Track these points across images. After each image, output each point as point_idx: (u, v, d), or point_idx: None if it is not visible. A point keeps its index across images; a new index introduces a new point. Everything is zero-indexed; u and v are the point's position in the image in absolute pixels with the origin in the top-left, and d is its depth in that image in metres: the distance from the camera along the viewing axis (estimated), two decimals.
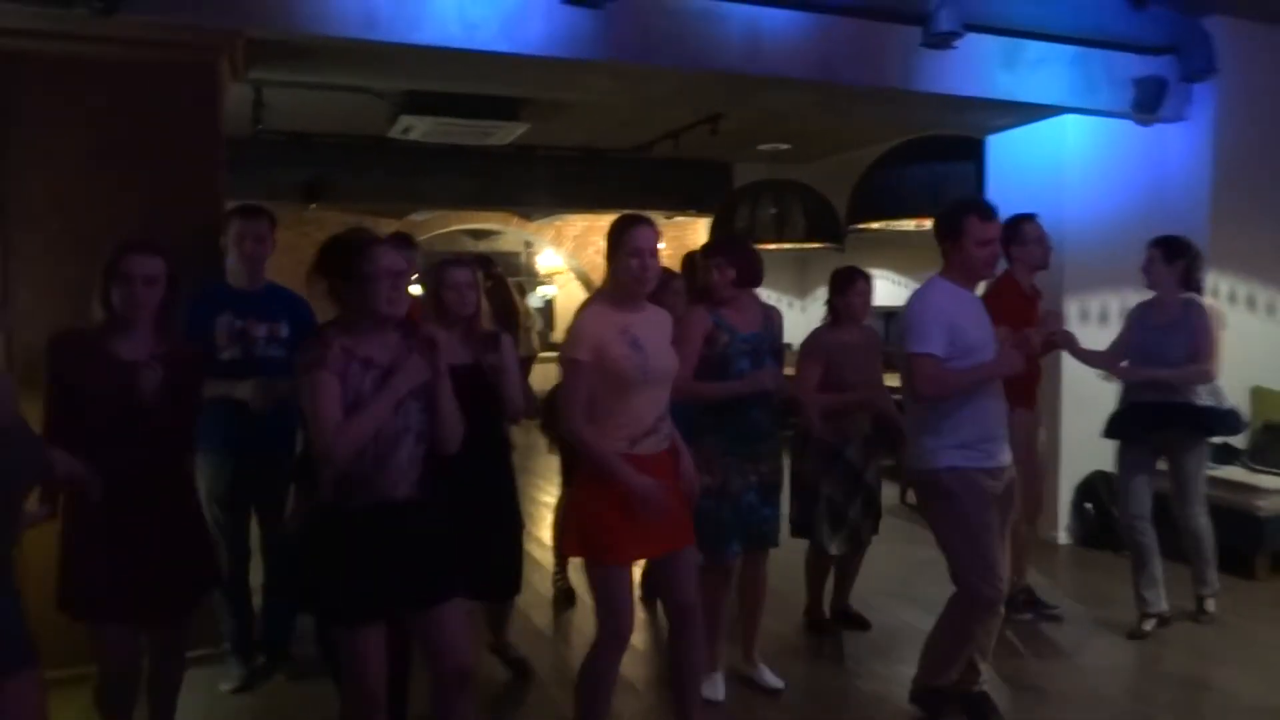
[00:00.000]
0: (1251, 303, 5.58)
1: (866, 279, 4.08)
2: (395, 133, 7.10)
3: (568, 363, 2.75)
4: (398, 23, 3.91)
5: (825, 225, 8.26)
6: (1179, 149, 5.45)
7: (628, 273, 2.75)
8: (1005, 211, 5.67)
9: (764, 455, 3.49)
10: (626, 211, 2.93)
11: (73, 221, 3.62)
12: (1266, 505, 4.84)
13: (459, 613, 2.57)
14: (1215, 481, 4.96)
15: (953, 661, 3.29)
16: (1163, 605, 4.17)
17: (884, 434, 4.10)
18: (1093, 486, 5.58)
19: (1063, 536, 5.69)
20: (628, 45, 4.22)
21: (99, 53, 3.69)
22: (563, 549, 2.94)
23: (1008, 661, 3.87)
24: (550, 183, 9.33)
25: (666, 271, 3.50)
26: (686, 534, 2.89)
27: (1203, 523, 4.23)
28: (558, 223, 12.40)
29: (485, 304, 3.39)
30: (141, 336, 2.69)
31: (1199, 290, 4.19)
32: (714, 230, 8.63)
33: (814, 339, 4.10)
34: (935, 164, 6.43)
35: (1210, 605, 4.30)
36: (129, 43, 3.70)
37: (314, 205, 8.93)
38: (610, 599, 2.78)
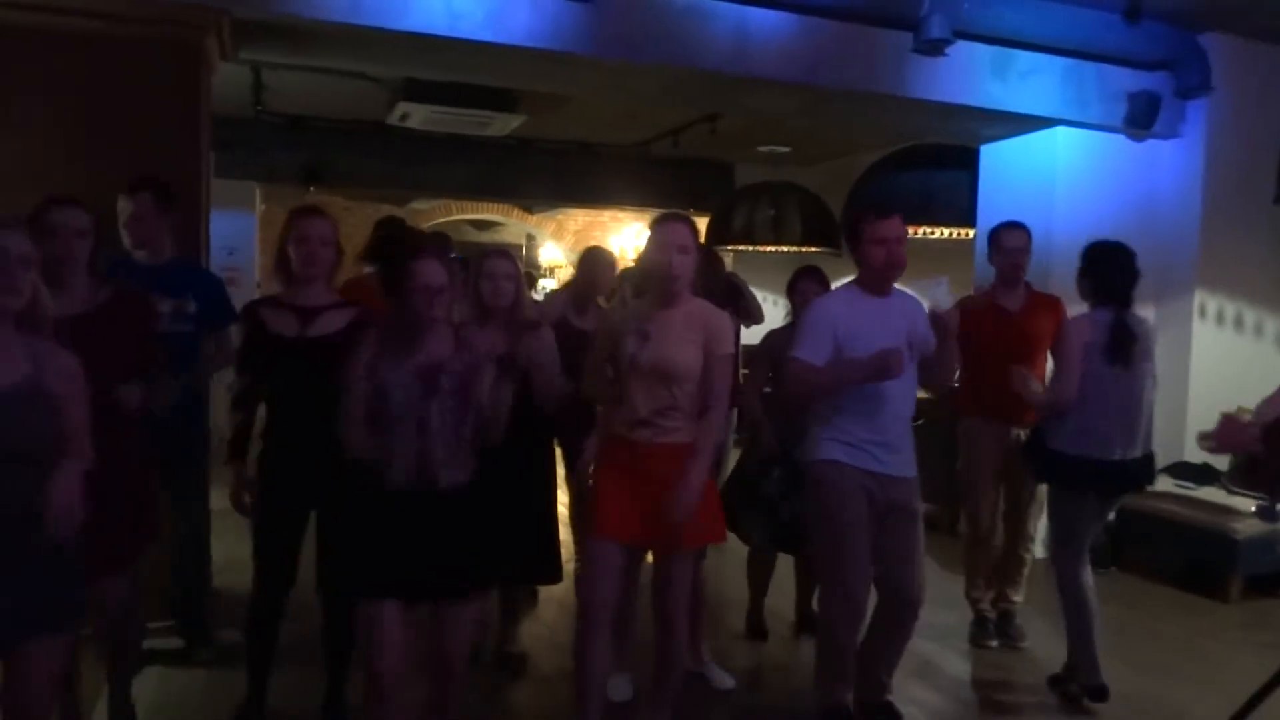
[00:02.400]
0: (1239, 323, 5.54)
1: (814, 278, 4.02)
2: (393, 119, 7.10)
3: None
4: (383, 8, 3.92)
5: (822, 229, 8.24)
6: (1170, 165, 5.42)
7: (653, 266, 2.85)
8: (996, 220, 5.70)
9: None
10: (667, 210, 3.06)
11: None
12: (1242, 528, 4.81)
13: (467, 613, 2.67)
14: (1192, 502, 4.97)
15: (832, 669, 3.23)
16: None
17: None
18: None
19: (1039, 550, 5.65)
20: (613, 40, 4.22)
21: (77, 26, 3.69)
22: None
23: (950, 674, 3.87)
24: (549, 176, 9.33)
25: None
26: (682, 537, 2.83)
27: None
28: (559, 216, 12.42)
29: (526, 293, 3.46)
30: (75, 290, 2.66)
31: (1126, 304, 3.55)
32: (710, 230, 8.62)
33: (764, 340, 4.07)
34: (929, 171, 6.39)
35: None
36: (109, 17, 3.71)
37: (313, 189, 8.95)
38: (586, 573, 2.88)
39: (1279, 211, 4.86)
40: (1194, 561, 5.01)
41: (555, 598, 4.47)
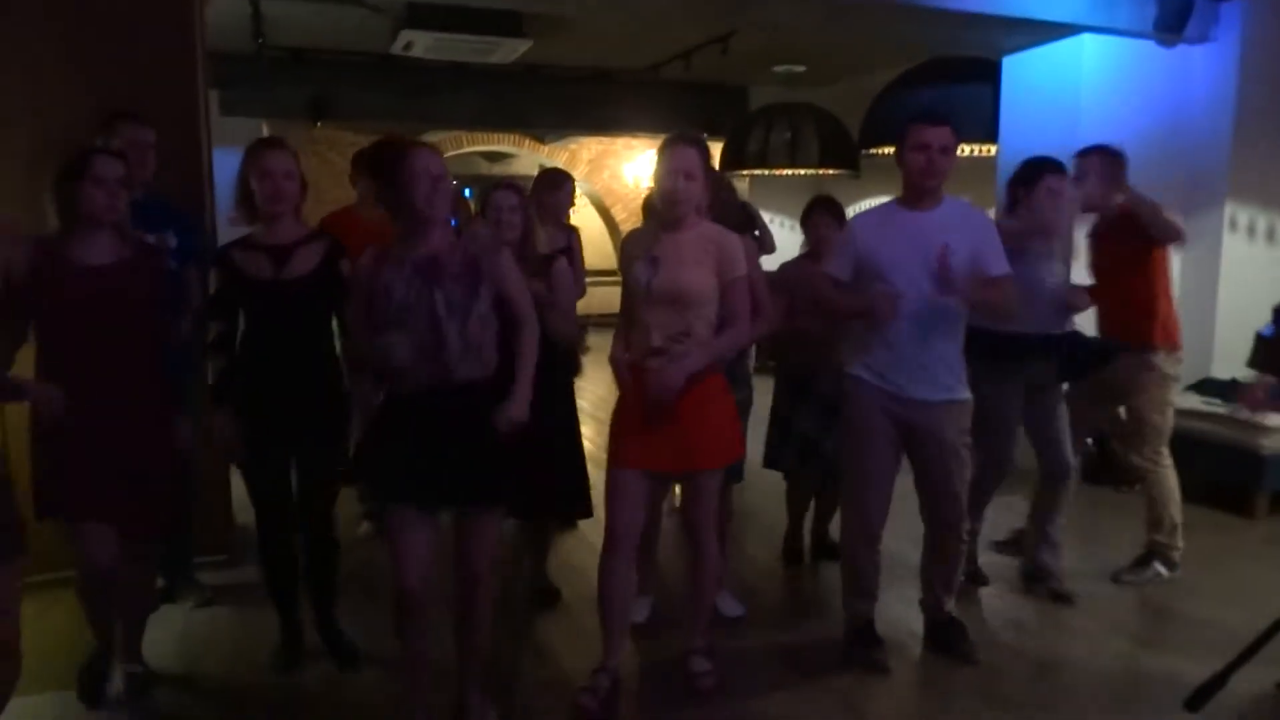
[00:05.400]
0: (1271, 236, 5.38)
1: (828, 209, 3.92)
2: (396, 49, 6.95)
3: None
4: None
5: (840, 150, 8.05)
6: (1203, 72, 5.22)
7: (659, 191, 2.82)
8: (1018, 135, 5.52)
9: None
10: (677, 131, 2.92)
11: (48, 128, 3.50)
12: (1268, 444, 4.74)
13: (490, 521, 2.63)
14: (1218, 419, 4.88)
15: (851, 586, 3.29)
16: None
17: None
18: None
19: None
20: None
21: None
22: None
23: (987, 595, 3.87)
24: (559, 104, 9.14)
25: None
26: (696, 459, 2.86)
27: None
28: (572, 146, 12.23)
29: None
30: (106, 240, 2.69)
31: None
32: (725, 154, 8.44)
33: (780, 270, 4.01)
34: (949, 86, 6.18)
35: None
36: None
37: (320, 124, 8.81)
38: (607, 500, 2.91)
39: None
40: (1220, 478, 4.94)
41: (587, 540, 4.47)
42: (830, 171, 8.14)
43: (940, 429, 3.08)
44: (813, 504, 4.28)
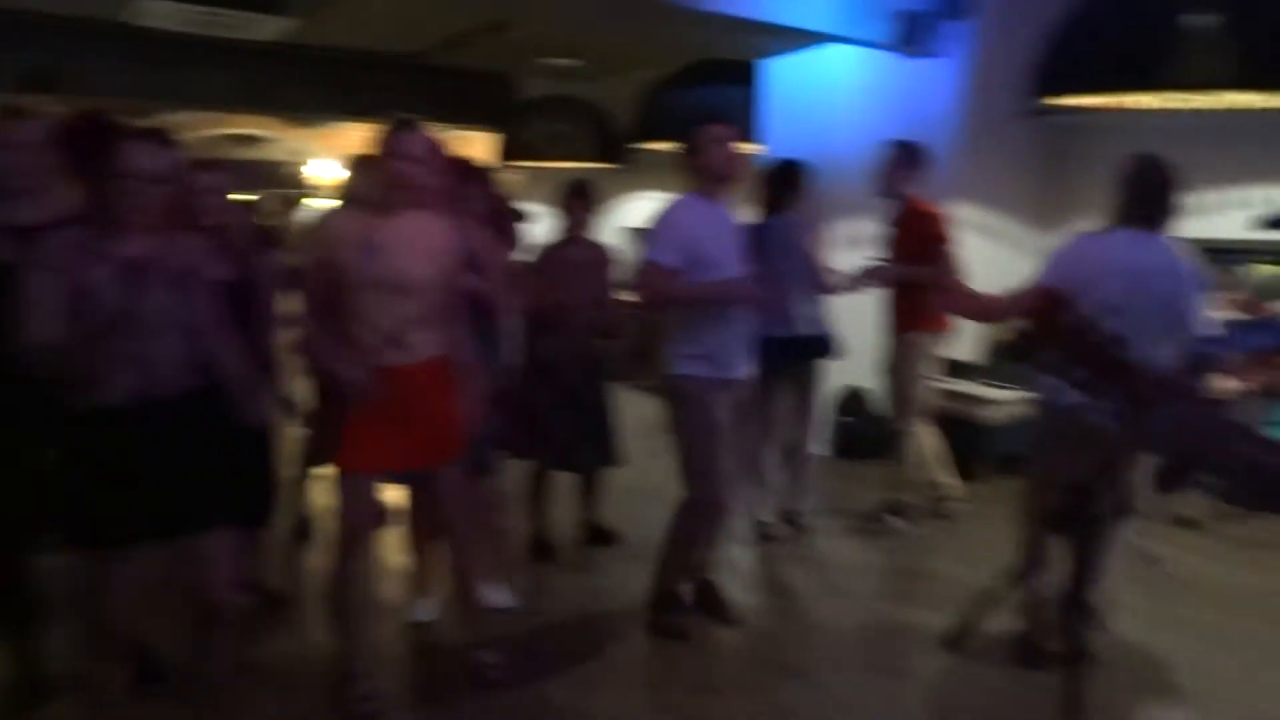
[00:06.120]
0: (999, 234, 5.99)
1: (580, 193, 4.10)
2: (127, 18, 6.33)
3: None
4: None
5: (609, 145, 8.24)
6: (940, 84, 5.72)
7: (385, 177, 2.73)
8: (780, 137, 5.85)
9: None
10: (402, 116, 2.80)
11: None
12: (987, 415, 5.40)
13: (220, 548, 2.43)
14: (951, 395, 5.43)
15: (682, 566, 3.48)
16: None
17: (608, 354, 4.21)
18: (849, 401, 5.96)
19: (821, 448, 6.04)
20: None
21: None
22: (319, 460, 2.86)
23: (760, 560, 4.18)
24: (322, 86, 8.72)
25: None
26: (432, 455, 2.84)
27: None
28: (331, 130, 11.73)
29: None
30: None
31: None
32: (499, 146, 8.44)
33: (542, 253, 4.11)
34: (712, 87, 6.49)
35: None
36: None
37: (47, 96, 7.93)
38: (341, 503, 2.78)
39: (1034, 126, 5.22)
40: (951, 447, 5.49)
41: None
42: (600, 165, 8.30)
43: (740, 403, 3.38)
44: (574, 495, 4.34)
